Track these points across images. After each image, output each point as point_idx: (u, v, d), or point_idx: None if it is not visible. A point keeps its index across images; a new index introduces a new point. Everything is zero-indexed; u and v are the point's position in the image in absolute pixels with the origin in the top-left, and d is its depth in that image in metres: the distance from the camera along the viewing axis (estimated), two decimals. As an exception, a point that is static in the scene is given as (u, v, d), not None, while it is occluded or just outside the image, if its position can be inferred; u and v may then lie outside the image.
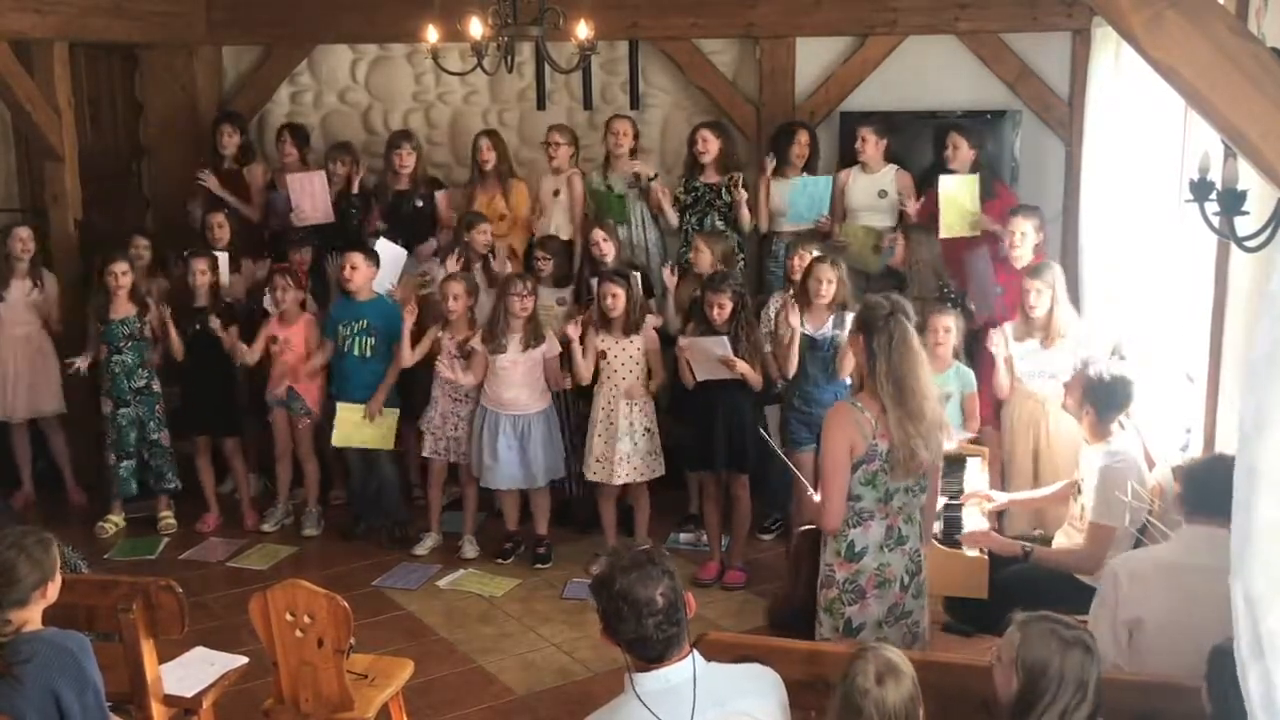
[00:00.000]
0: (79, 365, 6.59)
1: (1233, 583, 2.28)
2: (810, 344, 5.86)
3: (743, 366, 5.76)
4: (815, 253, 6.04)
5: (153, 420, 6.65)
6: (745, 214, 6.78)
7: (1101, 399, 4.59)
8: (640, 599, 2.63)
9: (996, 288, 6.10)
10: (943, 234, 6.30)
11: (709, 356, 5.80)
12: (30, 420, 7.04)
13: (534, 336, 6.13)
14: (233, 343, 6.53)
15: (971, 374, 5.79)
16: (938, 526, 4.72)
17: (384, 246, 6.65)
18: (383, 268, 6.52)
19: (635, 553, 2.73)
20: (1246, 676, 2.25)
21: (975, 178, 6.37)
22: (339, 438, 6.45)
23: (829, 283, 5.76)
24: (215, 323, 6.50)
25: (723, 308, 5.80)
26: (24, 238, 6.81)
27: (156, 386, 6.68)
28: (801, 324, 5.83)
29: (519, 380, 6.14)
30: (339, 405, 6.42)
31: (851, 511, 3.84)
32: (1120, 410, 4.63)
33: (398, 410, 6.48)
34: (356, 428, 6.41)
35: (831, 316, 5.86)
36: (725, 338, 5.76)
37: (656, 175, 6.97)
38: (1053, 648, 2.80)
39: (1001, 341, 5.76)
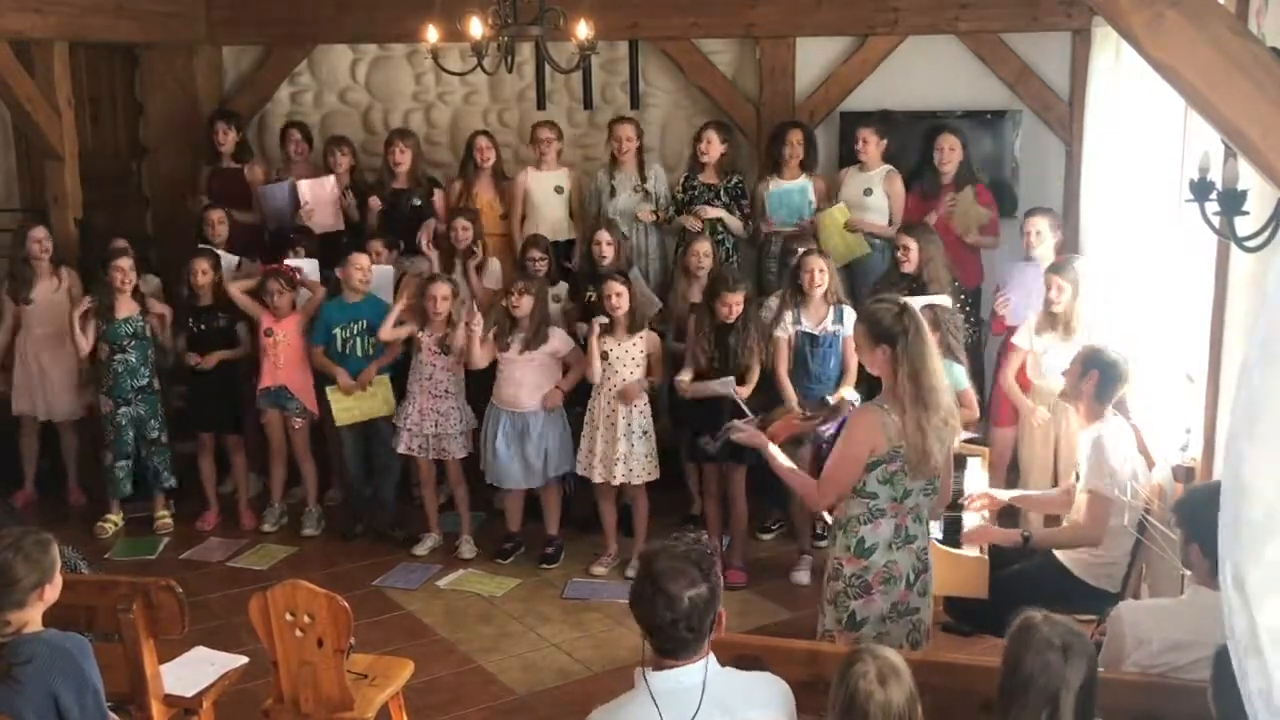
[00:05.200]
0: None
1: (1222, 575, 2.25)
2: (810, 341, 5.84)
3: (745, 393, 5.67)
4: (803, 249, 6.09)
5: (154, 419, 6.64)
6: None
7: (1104, 370, 4.56)
8: (668, 591, 2.63)
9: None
10: (957, 231, 6.49)
11: (713, 395, 5.71)
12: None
13: (536, 335, 6.11)
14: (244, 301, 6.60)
15: (961, 370, 5.76)
16: (937, 526, 4.72)
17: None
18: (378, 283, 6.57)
19: (690, 548, 2.71)
20: (1245, 674, 2.23)
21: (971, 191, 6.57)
22: (341, 417, 6.43)
23: (820, 271, 5.77)
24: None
25: (735, 306, 5.80)
26: (40, 238, 6.78)
27: (158, 385, 6.68)
28: (800, 321, 5.83)
29: (519, 378, 6.14)
30: (327, 390, 6.42)
31: (865, 508, 3.85)
32: (1118, 386, 4.62)
33: (387, 377, 6.47)
34: (354, 403, 6.42)
35: (830, 311, 5.87)
36: (731, 379, 5.65)
37: (655, 218, 6.98)
38: (1030, 648, 2.73)
39: (1025, 336, 5.80)
